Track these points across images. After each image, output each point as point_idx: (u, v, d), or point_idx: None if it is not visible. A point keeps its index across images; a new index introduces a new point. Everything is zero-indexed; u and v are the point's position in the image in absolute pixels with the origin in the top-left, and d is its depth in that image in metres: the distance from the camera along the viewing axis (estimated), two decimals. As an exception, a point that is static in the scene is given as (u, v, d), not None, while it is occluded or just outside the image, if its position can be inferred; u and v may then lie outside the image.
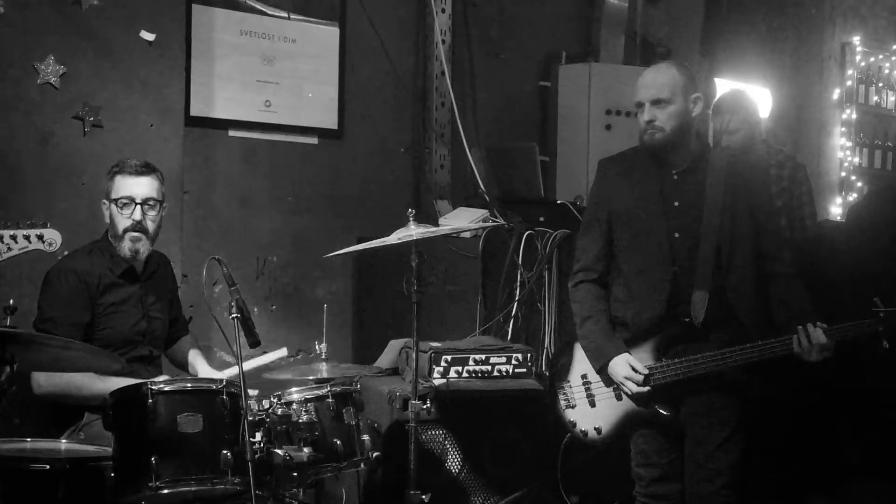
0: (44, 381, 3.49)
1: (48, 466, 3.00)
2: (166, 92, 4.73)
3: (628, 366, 3.54)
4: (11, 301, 2.98)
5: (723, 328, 3.53)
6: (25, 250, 2.31)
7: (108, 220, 3.77)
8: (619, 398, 3.63)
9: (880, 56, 8.43)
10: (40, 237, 2.34)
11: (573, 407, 3.75)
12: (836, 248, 4.82)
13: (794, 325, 3.41)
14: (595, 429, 3.70)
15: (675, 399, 3.56)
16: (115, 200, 3.71)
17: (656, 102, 3.53)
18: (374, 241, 3.76)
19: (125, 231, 3.71)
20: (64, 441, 3.34)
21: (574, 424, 3.75)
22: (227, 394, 3.14)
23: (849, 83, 8.16)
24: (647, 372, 3.52)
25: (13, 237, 2.30)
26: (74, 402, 3.55)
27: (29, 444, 3.23)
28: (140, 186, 3.73)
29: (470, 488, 4.27)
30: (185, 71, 4.80)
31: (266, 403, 3.30)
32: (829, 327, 3.38)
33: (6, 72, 4.28)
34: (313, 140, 5.25)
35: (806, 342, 3.37)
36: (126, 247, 3.72)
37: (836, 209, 7.97)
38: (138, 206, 3.71)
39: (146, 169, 3.76)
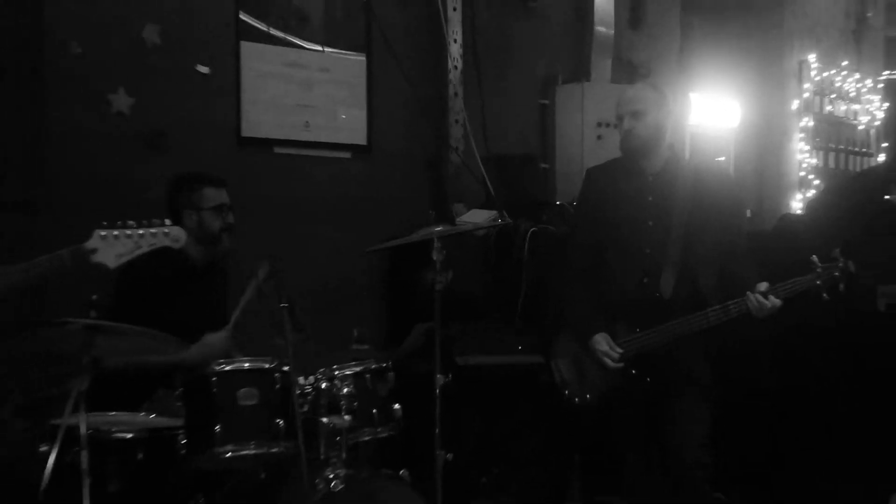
0: (123, 361, 3.50)
1: (129, 435, 3.05)
2: (221, 114, 4.78)
3: (606, 344, 3.58)
4: (94, 296, 3.00)
5: (687, 302, 3.55)
6: (154, 247, 2.31)
7: (191, 226, 3.70)
8: (603, 370, 3.65)
9: (832, 71, 8.43)
10: (169, 235, 2.34)
11: (565, 377, 3.78)
12: (796, 238, 4.82)
13: (745, 290, 3.43)
14: (585, 396, 3.73)
15: (650, 367, 3.59)
16: (210, 208, 3.73)
17: (634, 114, 3.60)
18: (403, 239, 3.79)
19: (222, 231, 3.76)
20: (142, 414, 3.37)
21: (567, 393, 3.78)
22: (279, 371, 3.18)
23: (806, 95, 8.17)
24: (621, 351, 3.56)
25: (142, 236, 2.30)
26: (151, 374, 3.54)
27: (112, 416, 3.26)
28: (225, 195, 3.79)
29: (486, 449, 4.30)
30: (236, 98, 4.84)
31: (312, 379, 3.33)
32: (772, 286, 3.39)
33: (84, 103, 4.33)
34: (346, 155, 5.27)
35: (756, 303, 3.39)
36: (225, 245, 3.79)
37: (796, 204, 7.96)
38: (230, 212, 3.77)
39: (224, 180, 3.84)
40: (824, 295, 3.40)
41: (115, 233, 2.26)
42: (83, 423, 2.79)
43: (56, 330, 2.88)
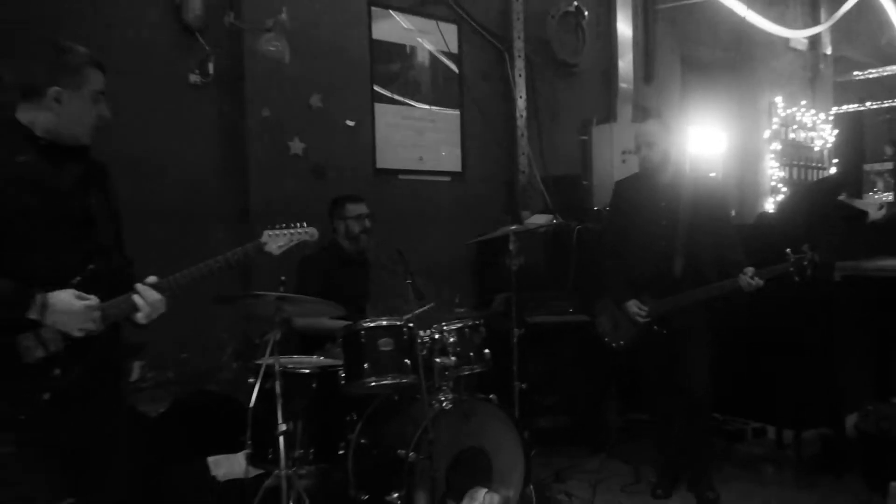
0: (301, 322, 3.58)
1: (307, 371, 3.10)
2: (363, 153, 4.81)
3: (636, 306, 3.51)
4: (283, 277, 3.07)
5: (693, 279, 3.46)
6: (300, 240, 2.42)
7: (341, 231, 3.80)
8: (633, 324, 3.56)
9: (794, 108, 8.16)
10: (307, 232, 2.45)
11: (605, 329, 3.72)
12: (771, 229, 4.63)
13: (736, 272, 3.32)
14: (620, 343, 3.66)
15: (667, 323, 3.50)
16: (353, 217, 3.79)
17: (647, 144, 3.51)
18: (489, 235, 3.77)
19: (361, 232, 3.80)
20: (315, 357, 3.43)
21: (607, 340, 3.72)
22: (406, 327, 3.19)
23: (775, 126, 7.92)
24: (647, 309, 3.48)
25: (292, 233, 2.42)
26: (319, 334, 3.62)
27: (295, 358, 3.34)
28: (363, 207, 3.84)
29: (548, 381, 4.26)
30: (372, 142, 4.86)
31: (429, 331, 3.33)
32: (756, 270, 3.29)
33: (271, 148, 4.39)
34: (447, 179, 5.25)
35: (745, 282, 3.29)
36: (363, 244, 3.82)
37: (769, 206, 7.70)
38: (366, 219, 3.80)
39: (362, 198, 3.88)
40: (796, 278, 3.27)
41: (276, 231, 2.40)
42: (277, 362, 2.85)
43: (256, 300, 2.95)
